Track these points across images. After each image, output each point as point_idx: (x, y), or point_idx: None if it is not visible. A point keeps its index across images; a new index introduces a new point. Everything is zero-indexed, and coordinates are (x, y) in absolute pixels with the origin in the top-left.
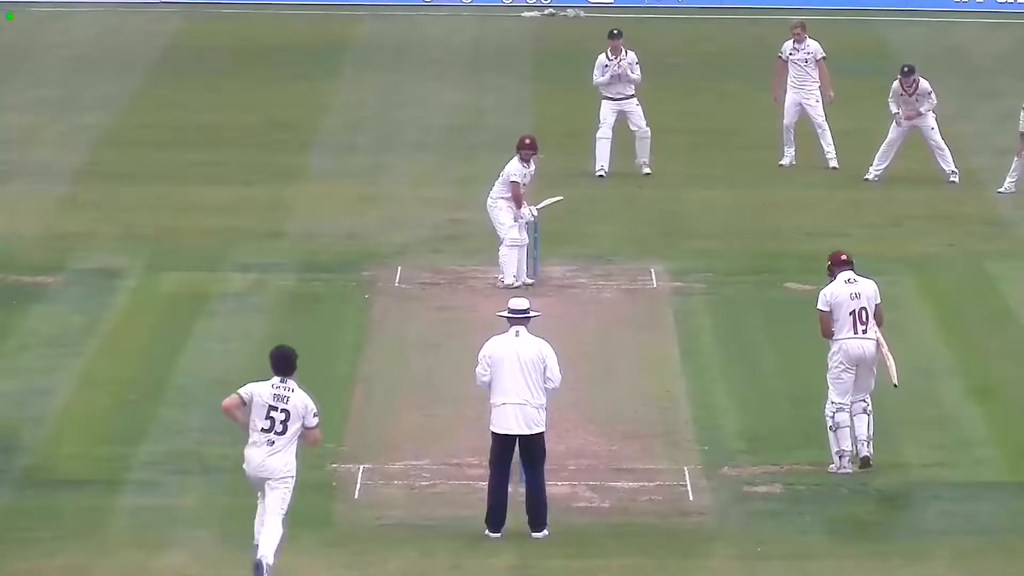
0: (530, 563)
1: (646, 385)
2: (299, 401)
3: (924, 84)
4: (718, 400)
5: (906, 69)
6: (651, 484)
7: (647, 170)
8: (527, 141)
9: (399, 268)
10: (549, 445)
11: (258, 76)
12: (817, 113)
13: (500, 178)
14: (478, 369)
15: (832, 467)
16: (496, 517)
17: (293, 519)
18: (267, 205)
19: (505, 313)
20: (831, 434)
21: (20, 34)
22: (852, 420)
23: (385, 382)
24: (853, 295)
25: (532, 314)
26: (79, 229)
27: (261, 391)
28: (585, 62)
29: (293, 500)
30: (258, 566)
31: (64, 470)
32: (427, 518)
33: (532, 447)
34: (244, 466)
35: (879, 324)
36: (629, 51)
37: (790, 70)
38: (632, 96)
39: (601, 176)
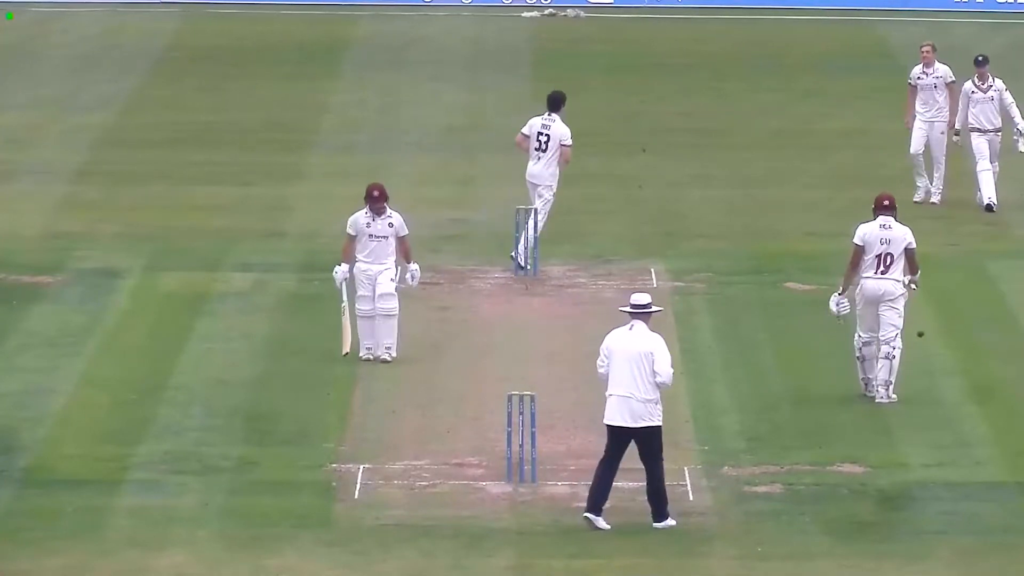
0: (530, 563)
1: None
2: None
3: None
4: (718, 400)
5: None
6: None
7: (993, 205)
8: (375, 193)
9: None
10: (549, 445)
11: (258, 76)
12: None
13: None
14: (597, 360)
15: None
16: (593, 499)
17: (293, 519)
18: (267, 205)
19: (628, 308)
20: (858, 364)
21: (20, 34)
22: (876, 363)
23: (385, 382)
24: (883, 240)
25: (653, 309)
26: (79, 229)
27: (533, 123)
28: (585, 62)
29: (292, 500)
30: None
31: (64, 470)
32: (427, 518)
33: (643, 440)
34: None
35: (914, 270)
36: (996, 78)
37: (918, 95)
38: (999, 130)
39: (991, 210)
